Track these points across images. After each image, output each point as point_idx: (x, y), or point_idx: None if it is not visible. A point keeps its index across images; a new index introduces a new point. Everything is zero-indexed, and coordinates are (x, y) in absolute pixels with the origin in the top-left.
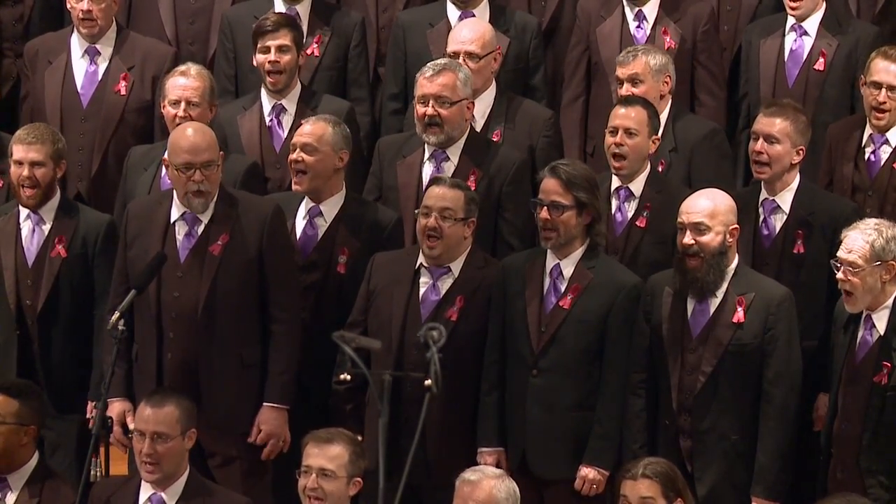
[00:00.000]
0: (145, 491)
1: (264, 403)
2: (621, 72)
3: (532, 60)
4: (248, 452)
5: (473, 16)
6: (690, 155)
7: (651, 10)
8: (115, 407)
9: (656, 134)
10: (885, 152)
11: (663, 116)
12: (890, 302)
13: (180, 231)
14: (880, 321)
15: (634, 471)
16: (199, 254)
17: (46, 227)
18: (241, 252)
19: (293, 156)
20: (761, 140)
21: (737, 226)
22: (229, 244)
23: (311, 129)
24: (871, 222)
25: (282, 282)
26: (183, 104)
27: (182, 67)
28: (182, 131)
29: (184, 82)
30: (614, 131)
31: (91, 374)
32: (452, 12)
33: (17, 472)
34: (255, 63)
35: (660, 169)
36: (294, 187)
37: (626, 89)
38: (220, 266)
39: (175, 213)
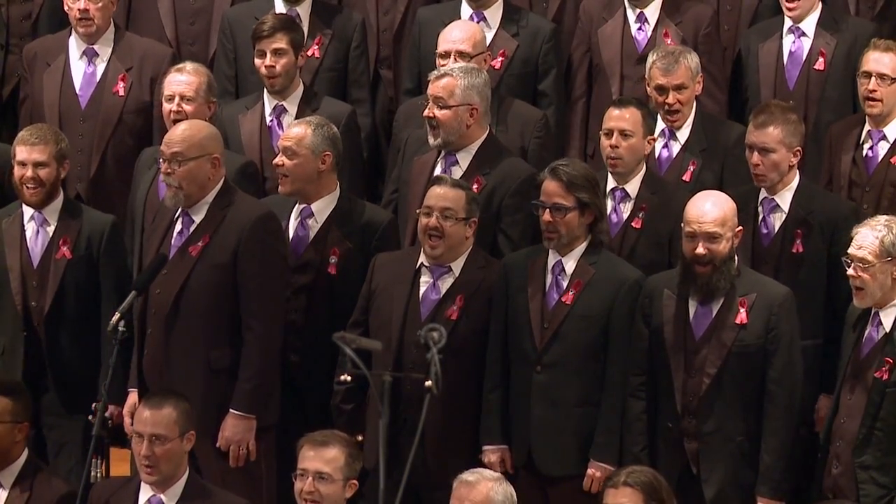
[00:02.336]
0: (145, 492)
1: (230, 410)
2: (666, 80)
3: (542, 65)
4: (222, 459)
5: (484, 17)
6: (724, 158)
7: (652, 12)
8: (131, 397)
9: (651, 134)
10: (882, 148)
11: (692, 116)
12: None
13: (176, 229)
14: (887, 318)
15: (616, 479)
16: (183, 253)
17: (51, 229)
18: (217, 255)
19: (276, 160)
20: (756, 153)
21: (741, 227)
22: (208, 246)
23: (292, 133)
24: (881, 219)
25: (255, 290)
26: (176, 99)
27: (179, 65)
28: (177, 125)
29: (179, 78)
30: (609, 133)
31: (99, 376)
32: (466, 11)
33: (7, 470)
34: (255, 65)
35: (691, 169)
36: (279, 190)
37: (671, 98)
38: (195, 268)
39: (179, 211)
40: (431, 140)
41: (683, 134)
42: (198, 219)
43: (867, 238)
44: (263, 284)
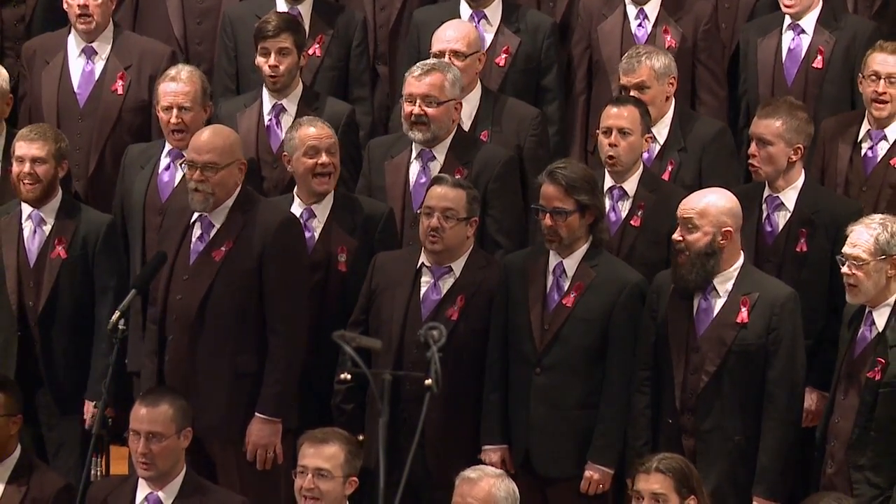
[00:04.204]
0: (142, 490)
1: (256, 414)
2: (626, 80)
3: (545, 61)
4: (243, 458)
5: (485, 15)
6: (701, 155)
7: (652, 8)
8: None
9: (648, 132)
10: (882, 148)
11: (668, 116)
12: (892, 300)
13: (195, 233)
14: (880, 318)
15: (648, 464)
16: (205, 258)
17: (47, 228)
18: (242, 260)
19: (323, 159)
20: (754, 143)
21: (731, 228)
22: (232, 251)
23: (326, 131)
24: (876, 217)
25: (282, 293)
26: (175, 110)
27: (172, 72)
28: (201, 131)
29: (174, 88)
30: (608, 132)
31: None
32: (465, 11)
33: (2, 465)
34: (256, 63)
35: (669, 169)
36: (322, 188)
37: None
38: (220, 272)
39: (195, 215)
40: (419, 136)
41: (662, 134)
42: (218, 223)
43: (862, 236)
44: (289, 288)
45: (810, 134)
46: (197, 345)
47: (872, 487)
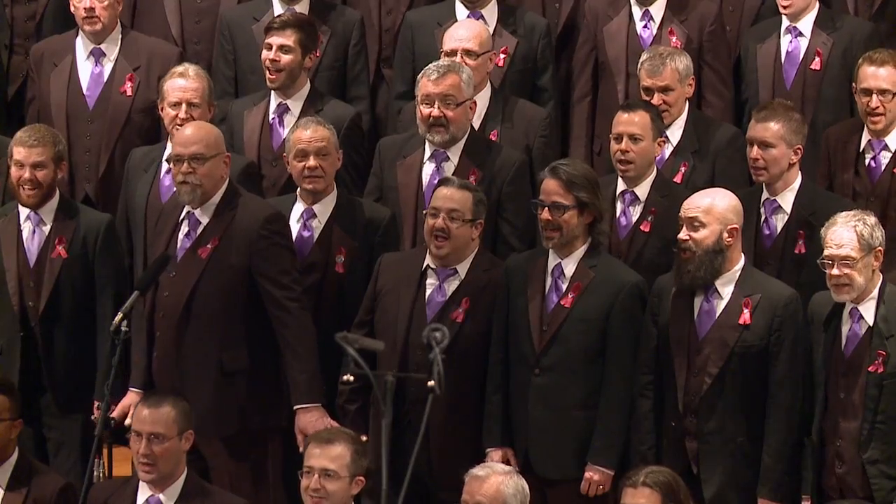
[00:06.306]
0: (143, 492)
1: (295, 407)
2: (651, 82)
3: (540, 61)
4: (230, 458)
5: (482, 16)
6: (715, 159)
7: (658, 9)
8: (130, 396)
9: (661, 136)
10: (885, 158)
11: (682, 118)
12: (875, 292)
13: (182, 231)
14: (868, 312)
15: (635, 479)
16: (191, 255)
17: (47, 228)
18: (228, 257)
19: (311, 163)
20: (756, 147)
21: (736, 226)
22: (218, 248)
23: (318, 133)
24: (848, 215)
25: (283, 285)
26: (184, 105)
27: (180, 69)
28: (184, 127)
29: (183, 83)
30: (619, 138)
31: (96, 374)
32: (461, 12)
33: (0, 469)
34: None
35: (682, 170)
36: (312, 188)
37: (656, 99)
38: (206, 269)
39: (183, 213)
40: (438, 138)
41: (675, 135)
42: (204, 220)
43: (844, 235)
44: (291, 278)
45: (805, 135)
46: (183, 342)
47: (889, 480)
